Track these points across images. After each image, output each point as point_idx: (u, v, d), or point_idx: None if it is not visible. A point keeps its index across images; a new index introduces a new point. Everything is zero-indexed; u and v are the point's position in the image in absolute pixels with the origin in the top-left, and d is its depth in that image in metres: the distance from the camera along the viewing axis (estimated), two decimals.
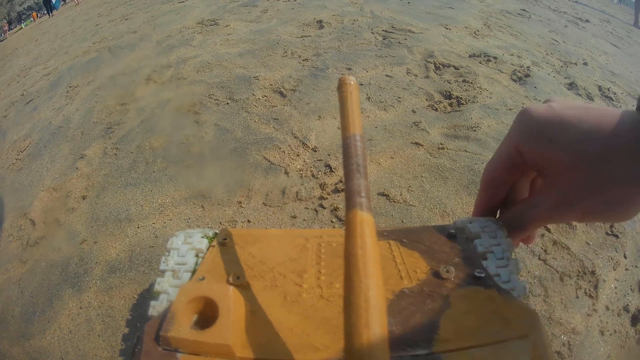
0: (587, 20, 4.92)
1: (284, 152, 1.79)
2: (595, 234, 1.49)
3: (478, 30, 3.34)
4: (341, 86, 0.46)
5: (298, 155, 1.78)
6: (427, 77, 2.42)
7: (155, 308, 0.51)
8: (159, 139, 1.99)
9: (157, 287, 0.54)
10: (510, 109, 2.12)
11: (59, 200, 1.77)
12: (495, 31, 3.43)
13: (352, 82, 0.46)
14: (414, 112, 2.07)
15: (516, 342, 0.34)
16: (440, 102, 2.16)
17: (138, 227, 1.53)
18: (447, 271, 0.44)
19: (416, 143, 1.83)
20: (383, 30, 3.11)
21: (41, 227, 1.65)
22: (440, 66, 2.53)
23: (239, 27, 3.47)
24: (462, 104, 2.13)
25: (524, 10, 4.50)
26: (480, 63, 2.63)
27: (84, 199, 1.72)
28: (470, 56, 2.72)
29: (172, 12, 4.45)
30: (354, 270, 0.29)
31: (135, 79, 2.74)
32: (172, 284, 0.53)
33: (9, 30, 9.81)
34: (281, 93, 2.25)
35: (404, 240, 0.51)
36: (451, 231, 0.52)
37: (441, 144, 1.82)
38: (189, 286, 0.40)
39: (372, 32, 3.07)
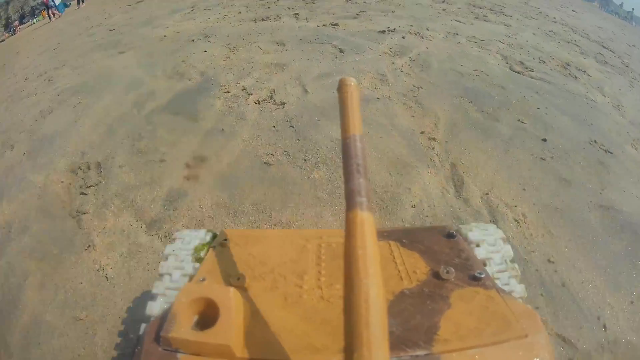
0: None
1: None
2: None
3: None
4: (341, 87, 0.47)
5: None
6: None
7: (156, 309, 0.51)
8: None
9: (156, 289, 0.54)
10: None
11: None
12: None
13: (352, 83, 0.46)
14: None
15: (516, 342, 0.34)
16: None
17: None
18: (447, 272, 0.44)
19: None
20: None
21: None
22: None
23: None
24: None
25: None
26: None
27: None
28: None
29: None
30: (354, 271, 0.29)
31: None
32: (172, 285, 0.53)
33: (20, 25, 9.97)
34: None
35: (404, 240, 0.51)
36: (451, 231, 0.52)
37: None
38: (190, 287, 0.40)
39: None
